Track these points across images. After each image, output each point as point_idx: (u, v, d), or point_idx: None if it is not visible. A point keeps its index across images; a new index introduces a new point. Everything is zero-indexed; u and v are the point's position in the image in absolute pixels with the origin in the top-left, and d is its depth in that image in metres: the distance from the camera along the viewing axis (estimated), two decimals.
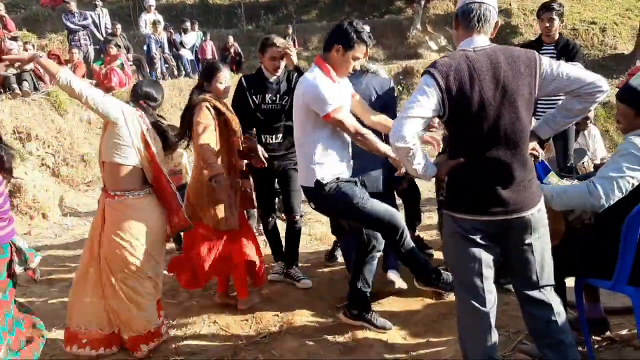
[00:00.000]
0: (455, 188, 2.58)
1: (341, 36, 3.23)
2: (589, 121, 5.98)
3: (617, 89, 3.13)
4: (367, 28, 3.50)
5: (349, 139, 3.43)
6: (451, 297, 3.98)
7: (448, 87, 2.40)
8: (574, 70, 2.51)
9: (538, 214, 2.54)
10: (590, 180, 2.73)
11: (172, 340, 3.75)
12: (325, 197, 3.35)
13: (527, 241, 2.53)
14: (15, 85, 8.98)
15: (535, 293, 2.59)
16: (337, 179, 3.33)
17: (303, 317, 3.90)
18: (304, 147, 3.37)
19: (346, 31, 3.22)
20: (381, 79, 4.17)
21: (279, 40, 4.25)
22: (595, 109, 7.66)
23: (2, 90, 8.96)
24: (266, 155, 4.07)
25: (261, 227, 5.02)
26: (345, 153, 3.45)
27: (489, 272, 2.57)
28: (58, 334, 3.81)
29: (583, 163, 5.27)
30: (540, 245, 2.56)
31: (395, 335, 3.61)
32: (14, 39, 10.12)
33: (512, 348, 3.27)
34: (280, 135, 4.37)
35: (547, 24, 5.03)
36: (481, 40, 2.52)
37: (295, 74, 4.35)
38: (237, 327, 3.88)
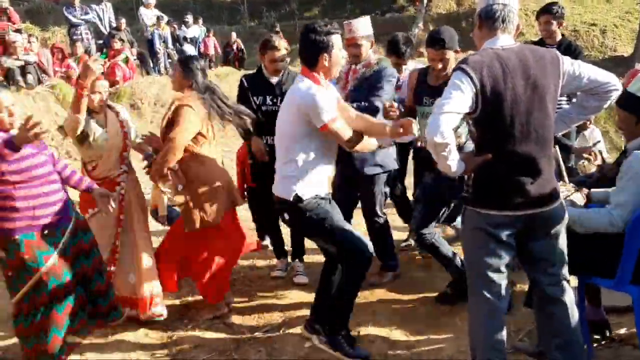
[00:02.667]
0: (483, 184, 2.62)
1: (319, 45, 3.16)
2: (589, 122, 6.02)
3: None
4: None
5: (335, 152, 3.37)
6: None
7: (482, 83, 2.45)
8: (592, 69, 2.61)
9: (560, 208, 2.64)
10: (609, 211, 2.82)
11: (174, 333, 3.80)
12: (299, 214, 3.25)
13: (550, 234, 2.62)
14: (19, 78, 9.00)
15: (552, 289, 2.67)
16: (316, 196, 3.24)
17: (305, 312, 3.92)
18: (288, 156, 3.23)
19: (317, 39, 3.15)
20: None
21: (280, 43, 4.22)
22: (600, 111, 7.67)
23: (6, 83, 8.97)
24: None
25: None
26: (330, 167, 3.37)
27: (505, 270, 2.65)
28: None
29: (583, 163, 5.31)
30: (562, 238, 2.66)
31: (397, 331, 3.66)
32: (18, 31, 10.13)
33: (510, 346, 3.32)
34: None
35: (546, 27, 5.07)
36: (507, 40, 2.59)
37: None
38: (240, 321, 3.92)
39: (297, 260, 4.63)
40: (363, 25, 4.11)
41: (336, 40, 3.19)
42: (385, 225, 4.39)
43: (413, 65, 4.65)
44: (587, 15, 20.51)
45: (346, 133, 3.16)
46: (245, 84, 4.33)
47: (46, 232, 3.04)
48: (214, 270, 3.90)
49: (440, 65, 3.69)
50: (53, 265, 3.04)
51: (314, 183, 3.22)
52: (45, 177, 3.04)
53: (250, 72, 4.66)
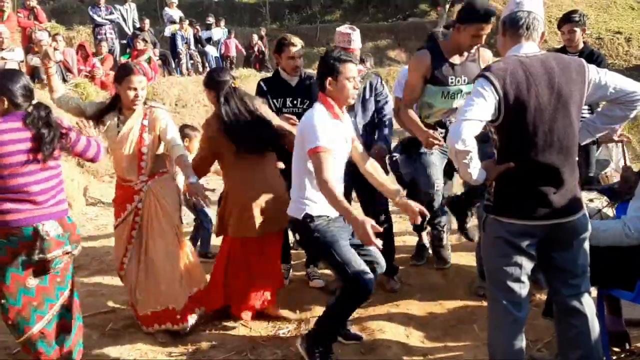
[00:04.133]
0: (505, 193, 2.60)
1: (325, 69, 3.22)
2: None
3: None
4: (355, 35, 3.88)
5: (341, 174, 3.35)
6: (469, 303, 4.04)
7: (505, 90, 2.44)
8: (618, 78, 2.58)
9: (583, 219, 2.61)
10: (624, 222, 2.81)
11: (192, 332, 3.81)
12: (309, 233, 3.25)
13: (573, 244, 2.60)
14: (44, 76, 9.09)
15: (573, 301, 2.64)
16: (327, 217, 3.25)
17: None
18: (299, 178, 3.28)
19: (326, 63, 3.22)
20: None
21: (296, 40, 4.21)
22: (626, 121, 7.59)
23: (31, 81, 9.09)
24: None
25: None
26: (339, 187, 3.28)
27: (526, 280, 2.63)
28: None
29: (605, 173, 5.25)
30: (584, 248, 2.63)
31: (413, 337, 3.65)
32: (44, 30, 10.26)
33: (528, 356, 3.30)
34: None
35: (569, 36, 5.01)
36: (531, 47, 2.57)
37: (313, 79, 4.35)
38: (257, 323, 3.92)
39: (311, 265, 4.62)
40: (359, 38, 4.15)
41: (344, 68, 3.19)
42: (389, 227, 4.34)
43: None
44: (612, 23, 20.30)
45: (325, 172, 3.04)
46: (264, 87, 4.30)
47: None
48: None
49: (482, 41, 3.73)
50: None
51: (323, 204, 3.20)
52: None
53: (268, 75, 4.63)
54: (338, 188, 3.12)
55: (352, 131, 3.43)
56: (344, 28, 4.17)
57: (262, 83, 4.37)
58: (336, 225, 3.26)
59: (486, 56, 3.99)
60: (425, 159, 4.07)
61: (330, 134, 3.13)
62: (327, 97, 3.23)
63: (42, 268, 3.01)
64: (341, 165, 3.34)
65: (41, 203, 2.95)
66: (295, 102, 4.23)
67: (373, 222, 2.88)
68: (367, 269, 3.15)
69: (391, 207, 4.22)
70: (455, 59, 3.87)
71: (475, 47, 3.84)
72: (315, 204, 3.23)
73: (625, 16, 21.15)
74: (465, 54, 3.86)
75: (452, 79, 3.85)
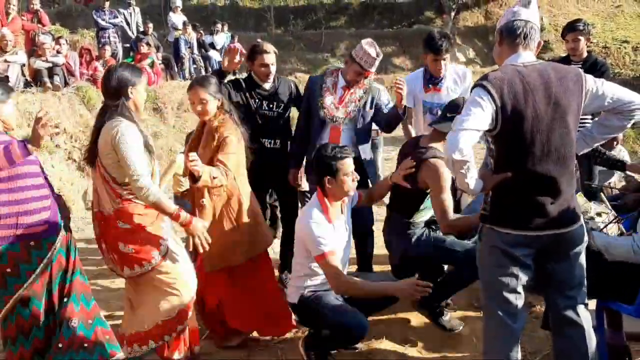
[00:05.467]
0: (501, 203, 2.57)
1: (323, 169, 3.23)
2: (616, 142, 5.90)
3: None
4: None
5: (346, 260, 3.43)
6: (467, 313, 3.99)
7: (502, 100, 2.41)
8: (616, 88, 2.55)
9: (580, 229, 2.58)
10: (633, 239, 2.79)
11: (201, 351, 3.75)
12: (306, 310, 3.36)
13: (570, 255, 2.57)
14: (46, 79, 9.10)
15: (569, 312, 2.60)
16: (312, 291, 3.32)
17: None
18: (298, 271, 3.38)
19: (323, 162, 3.22)
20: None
21: (269, 47, 4.16)
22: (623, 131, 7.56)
23: (33, 84, 9.10)
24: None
25: None
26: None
27: (522, 291, 2.59)
28: None
29: (610, 183, 5.21)
30: (581, 260, 2.60)
31: (412, 348, 3.60)
32: (48, 33, 10.27)
33: None
34: (278, 141, 4.28)
35: (573, 45, 4.99)
36: (528, 56, 2.54)
37: (292, 84, 4.39)
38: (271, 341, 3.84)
39: (285, 271, 4.50)
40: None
41: (342, 165, 3.21)
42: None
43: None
44: (619, 32, 20.28)
45: (338, 273, 3.16)
46: (243, 84, 4.21)
47: (32, 243, 2.92)
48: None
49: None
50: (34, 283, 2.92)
51: (319, 284, 3.33)
52: (32, 181, 2.93)
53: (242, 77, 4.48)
54: (353, 279, 3.25)
55: (349, 224, 3.49)
56: (372, 50, 3.94)
57: (240, 80, 4.28)
58: (329, 292, 3.32)
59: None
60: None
61: (330, 235, 3.20)
62: (324, 199, 3.28)
63: None
64: (347, 251, 3.44)
65: None
66: (271, 105, 4.20)
67: (413, 280, 3.09)
68: (359, 315, 3.19)
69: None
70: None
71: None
72: (306, 288, 3.34)
73: (632, 25, 21.13)
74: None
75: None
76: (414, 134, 4.42)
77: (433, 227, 3.70)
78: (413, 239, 3.62)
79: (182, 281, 3.24)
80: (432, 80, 4.32)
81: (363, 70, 3.94)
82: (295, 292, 3.37)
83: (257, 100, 4.18)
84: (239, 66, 4.15)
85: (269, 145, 4.24)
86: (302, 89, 4.32)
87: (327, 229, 3.20)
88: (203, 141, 3.55)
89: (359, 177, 3.34)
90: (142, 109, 3.25)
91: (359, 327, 3.15)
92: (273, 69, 4.16)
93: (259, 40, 4.33)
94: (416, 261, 3.67)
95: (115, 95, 3.06)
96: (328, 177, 3.21)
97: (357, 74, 3.99)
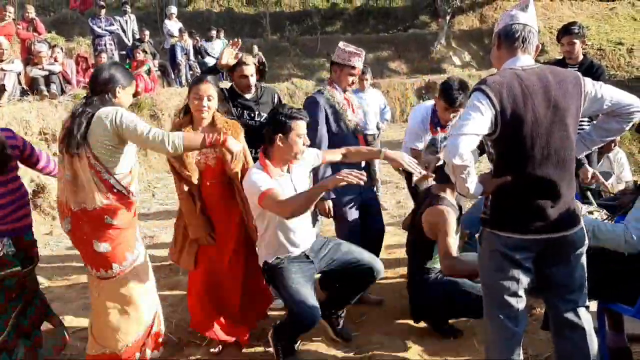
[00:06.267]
0: (501, 206, 2.57)
1: (276, 125, 3.27)
2: (613, 144, 5.92)
3: None
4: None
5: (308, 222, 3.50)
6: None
7: (502, 104, 2.41)
8: (614, 91, 2.56)
9: (580, 232, 2.57)
10: (625, 226, 2.78)
11: (189, 347, 3.76)
12: (268, 276, 3.46)
13: (570, 259, 2.56)
14: (43, 88, 9.10)
15: (570, 315, 2.60)
16: (277, 258, 3.38)
17: (318, 330, 3.85)
18: (258, 231, 3.44)
19: (277, 119, 3.27)
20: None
21: (249, 59, 4.15)
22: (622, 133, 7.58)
23: (30, 92, 9.09)
24: None
25: None
26: (300, 233, 3.43)
27: (523, 294, 2.59)
28: (75, 336, 3.86)
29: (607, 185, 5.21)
30: (581, 263, 2.59)
31: (413, 351, 3.59)
32: (44, 41, 10.27)
33: None
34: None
35: (568, 48, 5.00)
36: (527, 60, 2.55)
37: (275, 95, 4.36)
38: (253, 338, 3.83)
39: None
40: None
41: (296, 125, 3.26)
42: None
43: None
44: (613, 34, 20.35)
45: (282, 201, 3.12)
46: (225, 92, 4.20)
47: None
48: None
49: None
50: None
51: (276, 249, 3.38)
52: None
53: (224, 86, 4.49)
54: (293, 198, 3.20)
55: (305, 182, 3.53)
56: (350, 48, 4.03)
57: (223, 89, 4.26)
58: (295, 265, 3.39)
59: None
60: None
61: (269, 181, 3.21)
62: (266, 160, 3.32)
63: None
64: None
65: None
66: (252, 115, 4.16)
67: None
68: (312, 306, 3.26)
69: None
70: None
71: None
72: (269, 251, 3.39)
73: (627, 27, 21.21)
74: None
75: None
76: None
77: None
78: (430, 281, 3.71)
79: (138, 304, 3.26)
80: (439, 123, 4.32)
81: (354, 69, 3.99)
82: (261, 255, 3.46)
83: (238, 110, 4.16)
84: (232, 64, 4.10)
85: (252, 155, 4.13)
86: (298, 94, 4.26)
87: (266, 177, 3.21)
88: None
89: (309, 142, 3.40)
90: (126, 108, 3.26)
91: (308, 317, 3.25)
92: (252, 80, 4.14)
93: (239, 52, 4.29)
94: (432, 303, 3.71)
95: (101, 90, 3.09)
96: (280, 134, 3.24)
97: (351, 75, 4.03)
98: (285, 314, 3.54)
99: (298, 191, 3.36)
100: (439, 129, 4.31)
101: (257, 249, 3.53)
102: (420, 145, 4.41)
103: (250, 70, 4.10)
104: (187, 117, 3.54)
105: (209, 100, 3.45)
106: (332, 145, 3.97)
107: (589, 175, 4.10)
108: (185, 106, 3.58)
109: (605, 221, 3.04)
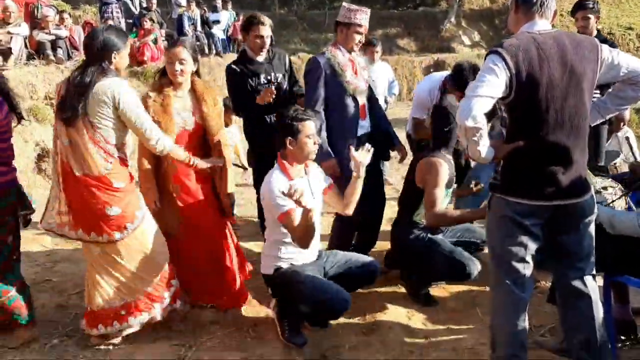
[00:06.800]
0: (513, 172, 2.55)
1: (284, 129, 3.27)
2: (622, 123, 5.89)
3: None
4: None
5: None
6: (472, 287, 3.99)
7: (517, 67, 2.37)
8: (631, 59, 2.53)
9: (591, 200, 2.56)
10: (638, 215, 2.78)
11: (192, 309, 3.77)
12: (280, 284, 3.37)
13: (579, 226, 2.55)
14: (49, 52, 9.07)
15: (577, 283, 2.59)
16: (292, 264, 3.36)
17: None
18: (271, 238, 3.40)
19: (284, 123, 3.27)
20: None
21: (266, 20, 4.15)
22: (629, 113, 7.55)
23: (36, 56, 9.05)
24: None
25: None
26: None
27: (531, 260, 2.58)
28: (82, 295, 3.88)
29: (615, 164, 5.20)
30: (590, 231, 2.58)
31: (416, 320, 3.61)
32: (51, 6, 10.20)
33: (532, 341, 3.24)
34: None
35: (583, 23, 4.96)
36: (544, 24, 2.51)
37: (286, 55, 4.36)
38: (260, 301, 3.85)
39: None
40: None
41: (303, 127, 3.24)
42: None
43: None
44: (624, 18, 20.17)
45: (292, 228, 3.15)
46: (237, 69, 4.21)
47: None
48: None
49: None
50: None
51: (294, 260, 3.36)
52: None
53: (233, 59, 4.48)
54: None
55: (321, 185, 3.51)
56: (352, 5, 4.01)
57: (233, 66, 4.25)
58: (305, 266, 3.36)
59: None
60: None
61: (289, 201, 3.15)
62: (283, 161, 3.32)
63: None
64: (316, 218, 3.33)
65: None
66: (269, 77, 4.20)
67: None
68: (339, 291, 3.21)
69: None
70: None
71: None
72: (285, 261, 3.35)
73: (637, 12, 21.02)
74: None
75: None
76: None
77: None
78: (411, 237, 3.77)
79: (157, 245, 3.33)
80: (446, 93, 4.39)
81: (360, 27, 3.94)
82: (270, 263, 3.39)
83: (253, 78, 4.18)
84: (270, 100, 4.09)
85: (271, 121, 4.23)
86: (304, 68, 4.20)
87: (287, 187, 3.17)
88: (190, 105, 3.53)
89: (319, 141, 3.40)
90: (123, 70, 3.29)
91: (343, 302, 3.20)
92: (268, 41, 4.14)
93: (256, 12, 4.31)
94: (410, 256, 3.82)
95: (97, 57, 3.06)
96: (289, 138, 3.25)
97: (357, 34, 3.97)
98: None
99: (314, 194, 3.40)
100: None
101: (266, 253, 3.48)
102: (424, 116, 4.42)
103: (266, 30, 4.10)
104: (165, 78, 3.51)
105: (181, 64, 3.41)
106: (331, 107, 3.95)
107: None
108: (164, 68, 3.55)
109: (621, 209, 3.04)
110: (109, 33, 3.12)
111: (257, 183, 4.44)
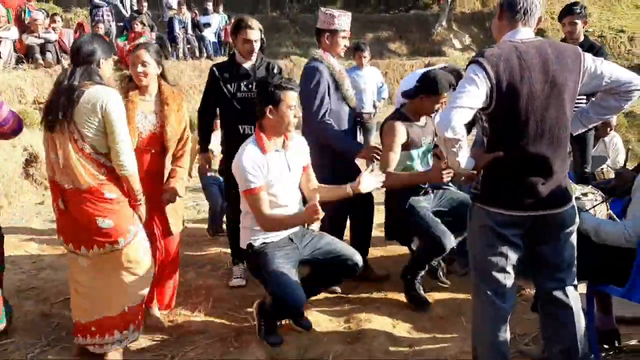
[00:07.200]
0: (492, 182, 2.54)
1: (266, 97, 3.19)
2: (609, 128, 5.91)
3: None
4: None
5: (296, 198, 3.44)
6: (457, 295, 3.99)
7: (498, 77, 2.36)
8: (614, 68, 2.52)
9: (571, 210, 2.55)
10: (624, 226, 2.77)
11: (176, 318, 3.78)
12: (251, 260, 3.39)
13: (560, 237, 2.55)
14: (38, 56, 9.04)
15: (559, 293, 2.59)
16: (270, 243, 3.32)
17: (307, 305, 3.83)
18: (244, 210, 3.38)
19: (266, 90, 3.19)
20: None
21: (255, 23, 4.05)
22: (617, 117, 7.59)
23: (25, 60, 9.01)
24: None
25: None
26: (290, 210, 3.36)
27: (512, 271, 2.57)
28: (64, 304, 3.86)
29: (602, 169, 5.21)
30: (571, 241, 2.58)
31: (401, 328, 3.60)
32: (40, 9, 10.16)
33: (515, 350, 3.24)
34: None
35: (570, 28, 4.99)
36: (527, 33, 2.50)
37: (275, 66, 4.25)
38: (243, 311, 3.86)
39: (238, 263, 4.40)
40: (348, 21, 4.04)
41: (285, 96, 3.18)
42: None
43: None
44: (615, 21, 20.24)
45: (262, 210, 3.15)
46: (217, 73, 4.10)
47: None
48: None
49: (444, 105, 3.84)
50: None
51: (261, 232, 3.30)
52: None
53: (222, 61, 4.45)
54: (277, 216, 3.24)
55: (301, 160, 3.46)
56: (334, 11, 3.99)
57: (214, 69, 4.17)
58: (279, 251, 3.31)
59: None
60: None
61: (260, 170, 3.16)
62: (261, 133, 3.26)
63: None
64: (291, 191, 3.37)
65: None
66: (250, 86, 4.05)
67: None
68: (296, 290, 3.20)
69: None
70: (420, 121, 3.96)
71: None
72: (255, 233, 3.31)
73: (629, 15, 21.09)
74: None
75: (423, 139, 3.92)
76: None
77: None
78: (393, 201, 3.93)
79: (145, 264, 3.26)
80: None
81: (345, 31, 3.94)
82: (245, 236, 3.38)
83: (233, 84, 4.06)
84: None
85: (248, 132, 3.94)
86: (296, 72, 4.20)
87: (259, 162, 3.17)
88: (156, 108, 3.53)
89: (300, 114, 3.39)
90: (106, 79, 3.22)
91: (291, 302, 3.19)
92: (256, 45, 4.05)
93: (245, 16, 4.23)
94: (394, 222, 3.99)
95: (85, 60, 3.03)
96: (270, 106, 3.18)
97: (343, 39, 3.97)
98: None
99: (292, 172, 3.35)
100: None
101: (242, 225, 3.43)
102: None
103: (254, 35, 4.00)
104: (132, 83, 3.51)
105: (143, 65, 3.41)
106: (330, 117, 3.93)
107: None
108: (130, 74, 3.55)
109: (606, 219, 3.05)
110: (97, 41, 3.12)
111: (226, 193, 4.42)
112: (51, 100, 3.01)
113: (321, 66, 3.94)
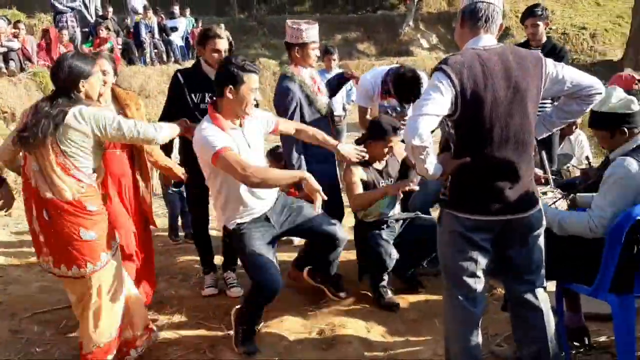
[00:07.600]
0: (460, 188, 2.56)
1: (227, 77, 3.15)
2: (574, 126, 6.00)
3: None
4: None
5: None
6: (430, 297, 4.02)
7: (462, 84, 2.38)
8: (576, 73, 2.56)
9: (538, 214, 2.59)
10: (590, 216, 2.78)
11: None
12: (230, 241, 3.47)
13: (528, 240, 2.58)
14: (1, 65, 8.88)
15: (528, 295, 2.63)
16: (238, 224, 3.35)
17: (282, 313, 3.85)
18: (214, 195, 3.41)
19: (229, 70, 3.15)
20: None
21: (223, 32, 3.96)
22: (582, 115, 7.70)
23: None
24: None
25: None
26: (252, 193, 3.35)
27: (482, 275, 2.60)
28: (32, 319, 3.79)
29: (568, 167, 5.30)
30: (539, 244, 2.62)
31: (375, 332, 3.61)
32: (2, 17, 9.96)
33: (487, 351, 3.28)
34: None
35: (532, 30, 5.06)
36: (489, 40, 2.52)
37: None
38: (217, 320, 3.84)
39: (228, 271, 4.40)
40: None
41: (248, 79, 3.15)
42: None
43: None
44: (577, 18, 20.63)
45: (242, 166, 3.05)
46: (181, 79, 3.94)
47: None
48: None
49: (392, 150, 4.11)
50: None
51: (235, 214, 3.34)
52: None
53: (186, 67, 4.33)
54: (261, 168, 3.25)
55: (260, 135, 3.47)
56: (301, 24, 3.91)
57: (178, 74, 4.00)
58: (256, 230, 3.36)
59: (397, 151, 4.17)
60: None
61: (223, 137, 3.13)
62: (215, 112, 3.23)
63: None
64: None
65: None
66: (214, 97, 3.81)
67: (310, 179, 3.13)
68: (274, 275, 3.24)
69: None
70: (377, 165, 4.12)
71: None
72: (228, 214, 3.35)
73: (590, 12, 21.51)
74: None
75: (382, 182, 4.06)
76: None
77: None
78: (358, 232, 4.19)
79: (124, 282, 3.24)
80: (389, 91, 4.52)
81: (315, 43, 3.94)
82: (220, 219, 3.44)
83: (197, 94, 3.93)
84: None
85: None
86: (265, 74, 4.18)
87: (219, 132, 3.13)
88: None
89: (261, 98, 3.39)
90: (96, 98, 3.15)
91: (269, 286, 3.24)
92: (224, 56, 3.91)
93: (213, 25, 4.16)
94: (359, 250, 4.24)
95: (65, 88, 2.94)
96: (231, 86, 3.13)
97: (314, 50, 3.97)
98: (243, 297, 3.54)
99: (252, 147, 3.30)
100: (387, 95, 4.60)
101: (214, 210, 3.48)
102: (369, 106, 4.80)
103: (223, 44, 3.90)
104: None
105: (104, 74, 3.36)
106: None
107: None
108: None
109: (567, 209, 3.08)
110: (73, 60, 2.96)
111: (188, 197, 4.51)
112: (28, 123, 2.89)
113: (293, 85, 3.89)
